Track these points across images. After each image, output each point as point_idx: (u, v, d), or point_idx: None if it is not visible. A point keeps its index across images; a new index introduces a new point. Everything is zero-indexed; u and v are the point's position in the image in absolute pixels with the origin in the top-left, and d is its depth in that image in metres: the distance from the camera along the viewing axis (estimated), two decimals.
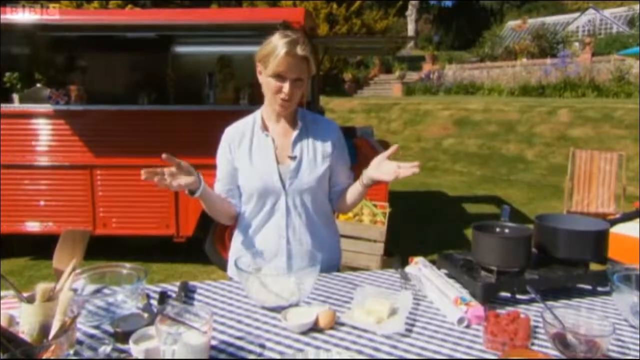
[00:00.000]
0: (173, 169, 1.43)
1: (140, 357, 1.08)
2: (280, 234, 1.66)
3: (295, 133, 1.67)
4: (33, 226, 4.21)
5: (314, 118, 1.75)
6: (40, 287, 1.14)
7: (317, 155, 1.67)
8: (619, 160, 5.34)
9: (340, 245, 1.88)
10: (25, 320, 1.10)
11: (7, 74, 4.22)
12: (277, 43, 1.52)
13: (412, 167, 1.47)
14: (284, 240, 1.66)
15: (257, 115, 1.71)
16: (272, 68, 1.52)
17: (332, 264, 1.74)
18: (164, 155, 1.39)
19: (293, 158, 1.65)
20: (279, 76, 1.54)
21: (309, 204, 1.67)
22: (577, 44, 16.22)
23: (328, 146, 1.69)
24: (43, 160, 4.15)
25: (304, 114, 1.72)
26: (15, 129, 4.11)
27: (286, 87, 1.54)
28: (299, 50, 1.51)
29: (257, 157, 1.65)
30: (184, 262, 4.44)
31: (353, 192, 1.71)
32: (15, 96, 4.20)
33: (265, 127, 1.68)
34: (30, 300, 1.14)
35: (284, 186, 1.64)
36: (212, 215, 1.69)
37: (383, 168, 1.55)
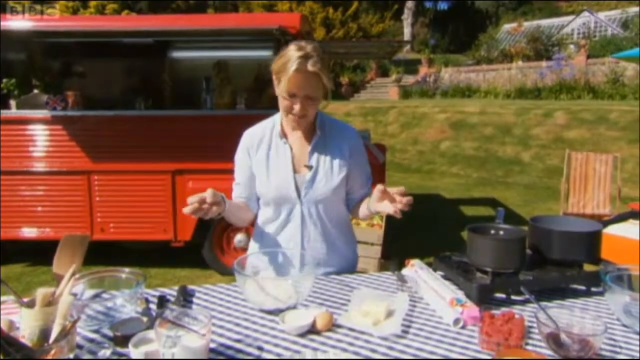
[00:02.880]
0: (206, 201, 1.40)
1: None
2: (295, 242, 1.65)
3: (313, 141, 1.64)
4: (30, 232, 4.20)
5: (332, 123, 1.70)
6: (40, 292, 1.15)
7: (333, 165, 1.63)
8: (614, 162, 5.38)
9: (357, 252, 1.83)
10: (25, 325, 1.11)
11: (4, 80, 4.22)
12: (290, 57, 1.47)
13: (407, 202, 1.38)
14: (299, 248, 1.65)
15: (276, 119, 1.68)
16: (283, 86, 1.49)
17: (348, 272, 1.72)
18: (187, 210, 1.37)
19: (309, 167, 1.63)
20: (290, 95, 1.50)
21: (323, 213, 1.65)
22: (572, 46, 16.30)
23: (345, 154, 1.65)
24: (40, 166, 4.15)
25: (322, 119, 1.67)
26: (13, 135, 4.11)
27: (297, 106, 1.51)
28: (310, 67, 1.46)
29: (274, 165, 1.63)
30: (182, 266, 4.44)
31: (363, 211, 1.66)
32: (13, 102, 4.20)
33: (283, 134, 1.65)
34: (31, 305, 1.15)
35: (299, 196, 1.62)
36: (230, 222, 1.65)
37: (385, 203, 1.45)
